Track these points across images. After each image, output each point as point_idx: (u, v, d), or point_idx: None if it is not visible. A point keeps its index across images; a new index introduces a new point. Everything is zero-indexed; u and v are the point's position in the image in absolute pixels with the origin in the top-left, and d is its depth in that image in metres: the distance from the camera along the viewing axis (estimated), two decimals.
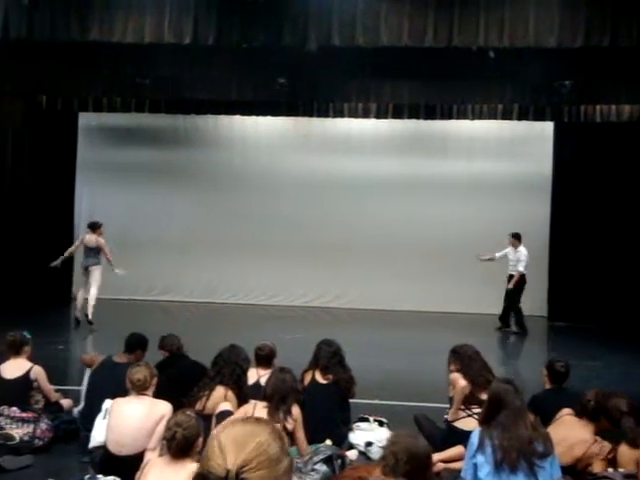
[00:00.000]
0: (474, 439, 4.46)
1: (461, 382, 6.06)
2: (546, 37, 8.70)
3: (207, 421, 5.28)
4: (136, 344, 6.74)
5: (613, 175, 14.13)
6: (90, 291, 12.39)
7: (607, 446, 5.08)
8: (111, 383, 6.07)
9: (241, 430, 1.69)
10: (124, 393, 5.61)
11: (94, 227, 12.60)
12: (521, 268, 13.09)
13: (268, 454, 1.64)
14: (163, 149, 15.74)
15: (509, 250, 13.34)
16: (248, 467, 1.61)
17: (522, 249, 13.20)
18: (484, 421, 4.63)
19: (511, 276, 13.26)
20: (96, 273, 12.45)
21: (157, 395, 5.62)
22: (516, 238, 13.29)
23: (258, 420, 1.83)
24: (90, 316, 12.23)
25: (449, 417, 6.12)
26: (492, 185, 15.03)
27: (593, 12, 8.64)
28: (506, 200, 14.81)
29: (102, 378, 6.44)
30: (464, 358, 6.21)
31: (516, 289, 13.18)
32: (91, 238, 12.51)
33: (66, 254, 12.67)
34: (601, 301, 14.00)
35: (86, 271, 12.55)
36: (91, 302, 12.32)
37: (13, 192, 14.05)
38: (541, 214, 14.79)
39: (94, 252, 12.48)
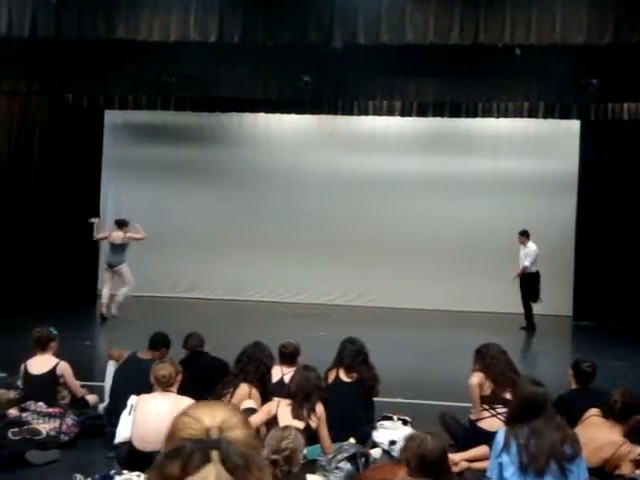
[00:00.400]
0: (499, 438, 4.43)
1: (472, 380, 6.04)
2: (573, 34, 8.62)
3: None
4: (161, 342, 6.77)
5: None
6: (122, 289, 12.51)
7: (637, 448, 5.03)
8: (136, 379, 6.10)
9: (204, 406, 1.63)
10: (148, 389, 5.64)
11: (121, 224, 12.66)
12: (527, 263, 12.97)
13: (238, 418, 1.59)
14: (188, 147, 15.79)
15: (520, 248, 13.24)
16: (228, 424, 1.55)
17: (531, 245, 13.10)
18: (511, 421, 4.59)
19: None
20: (126, 273, 12.55)
21: (180, 392, 5.64)
22: (524, 235, 13.19)
23: (214, 402, 1.83)
24: (115, 310, 12.38)
25: (473, 417, 6.09)
26: (518, 184, 14.92)
27: (621, 9, 8.56)
28: (532, 199, 14.70)
29: (127, 374, 6.48)
30: (486, 357, 6.18)
31: (522, 284, 13.09)
32: (118, 235, 12.57)
33: (97, 229, 12.95)
34: (627, 301, 13.85)
35: (111, 268, 12.60)
36: (118, 298, 12.43)
37: (40, 189, 14.17)
38: (567, 213, 14.69)
39: (120, 249, 12.55)
